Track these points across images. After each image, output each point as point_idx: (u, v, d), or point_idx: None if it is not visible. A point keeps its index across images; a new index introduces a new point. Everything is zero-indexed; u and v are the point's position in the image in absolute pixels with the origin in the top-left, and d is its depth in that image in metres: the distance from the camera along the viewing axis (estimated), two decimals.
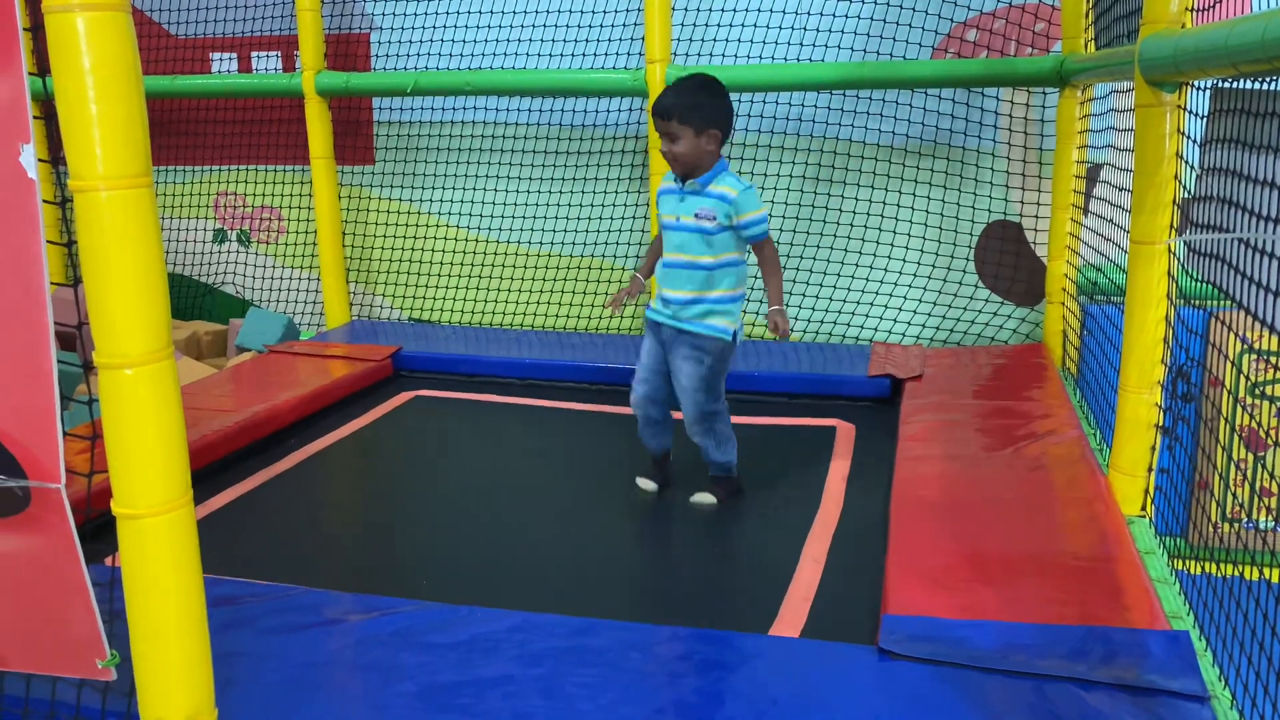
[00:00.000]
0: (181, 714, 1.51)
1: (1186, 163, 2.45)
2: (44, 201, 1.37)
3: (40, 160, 1.35)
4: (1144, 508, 2.65)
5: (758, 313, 4.59)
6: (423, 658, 1.95)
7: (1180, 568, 2.51)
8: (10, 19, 1.32)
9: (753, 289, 4.55)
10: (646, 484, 3.00)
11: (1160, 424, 2.65)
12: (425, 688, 1.85)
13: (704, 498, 2.92)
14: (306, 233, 5.21)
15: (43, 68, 1.38)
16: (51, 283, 1.39)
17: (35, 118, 1.35)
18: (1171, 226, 2.48)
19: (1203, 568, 2.60)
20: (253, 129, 5.21)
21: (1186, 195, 2.42)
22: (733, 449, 2.92)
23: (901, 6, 4.21)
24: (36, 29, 1.34)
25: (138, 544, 1.45)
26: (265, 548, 2.70)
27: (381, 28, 4.89)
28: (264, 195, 5.27)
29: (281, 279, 5.32)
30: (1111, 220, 3.41)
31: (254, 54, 5.12)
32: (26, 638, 1.58)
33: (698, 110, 2.68)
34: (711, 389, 2.83)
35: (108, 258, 1.36)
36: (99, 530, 1.67)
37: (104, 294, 1.37)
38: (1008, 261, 4.36)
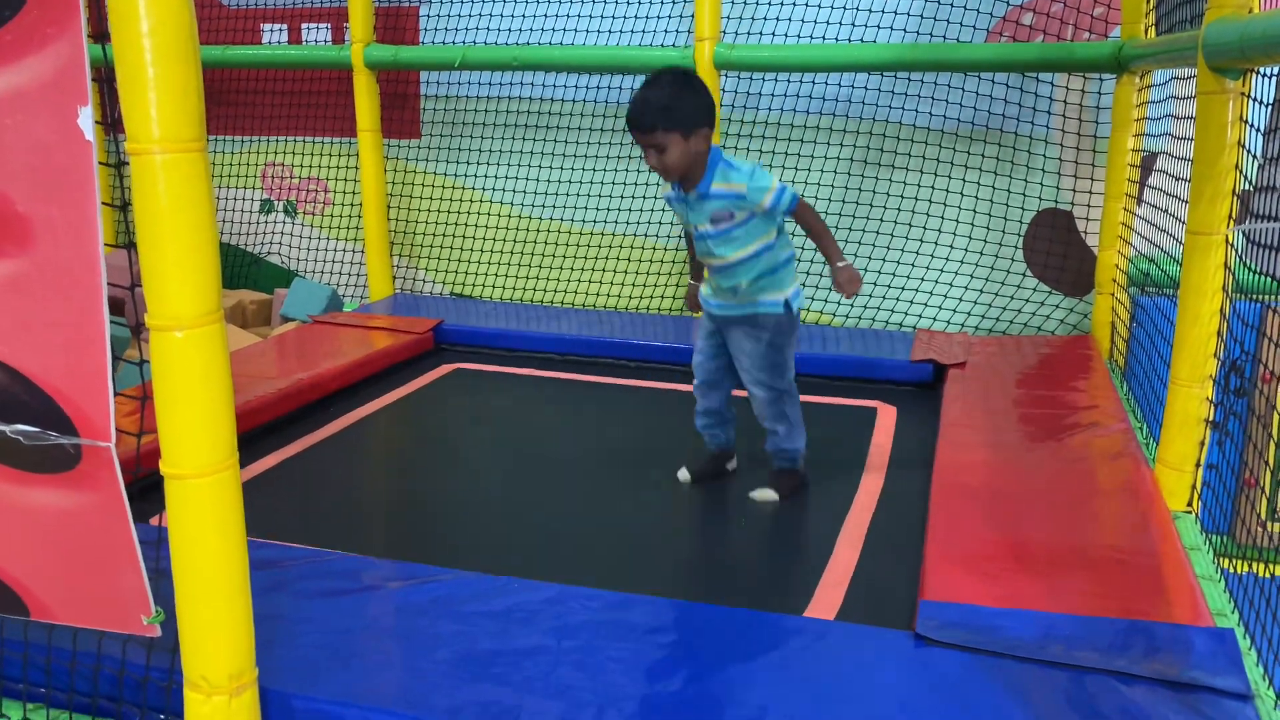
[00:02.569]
0: (224, 672, 1.54)
1: (1249, 152, 2.39)
2: (99, 164, 1.39)
3: (96, 123, 1.37)
4: (1190, 503, 2.60)
5: (817, 285, 4.56)
6: (460, 626, 1.97)
7: (1226, 566, 2.47)
8: None
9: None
10: (684, 474, 2.90)
11: (1210, 419, 2.60)
12: (462, 656, 1.86)
13: (765, 494, 2.78)
14: (352, 205, 5.25)
15: (100, 34, 1.39)
16: (105, 245, 1.41)
17: (92, 81, 1.37)
18: (1230, 217, 2.42)
19: (1249, 566, 2.56)
20: (301, 100, 5.25)
21: (1247, 186, 2.36)
22: (803, 436, 2.79)
23: None
24: None
25: (184, 504, 1.47)
26: (305, 513, 2.73)
27: (431, 1, 4.89)
28: (311, 167, 5.32)
29: (326, 250, 5.37)
30: (1166, 210, 3.34)
31: (304, 25, 5.15)
32: (75, 592, 1.61)
33: (681, 112, 2.44)
34: (775, 367, 2.69)
35: (161, 221, 1.37)
36: (146, 490, 1.70)
37: (157, 257, 1.38)
38: (1057, 251, 4.29)
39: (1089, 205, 4.19)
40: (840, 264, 2.56)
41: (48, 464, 1.50)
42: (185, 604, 1.51)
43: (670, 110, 2.43)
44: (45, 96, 1.37)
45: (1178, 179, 3.14)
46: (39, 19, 1.35)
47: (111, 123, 1.45)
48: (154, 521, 1.61)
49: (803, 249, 4.53)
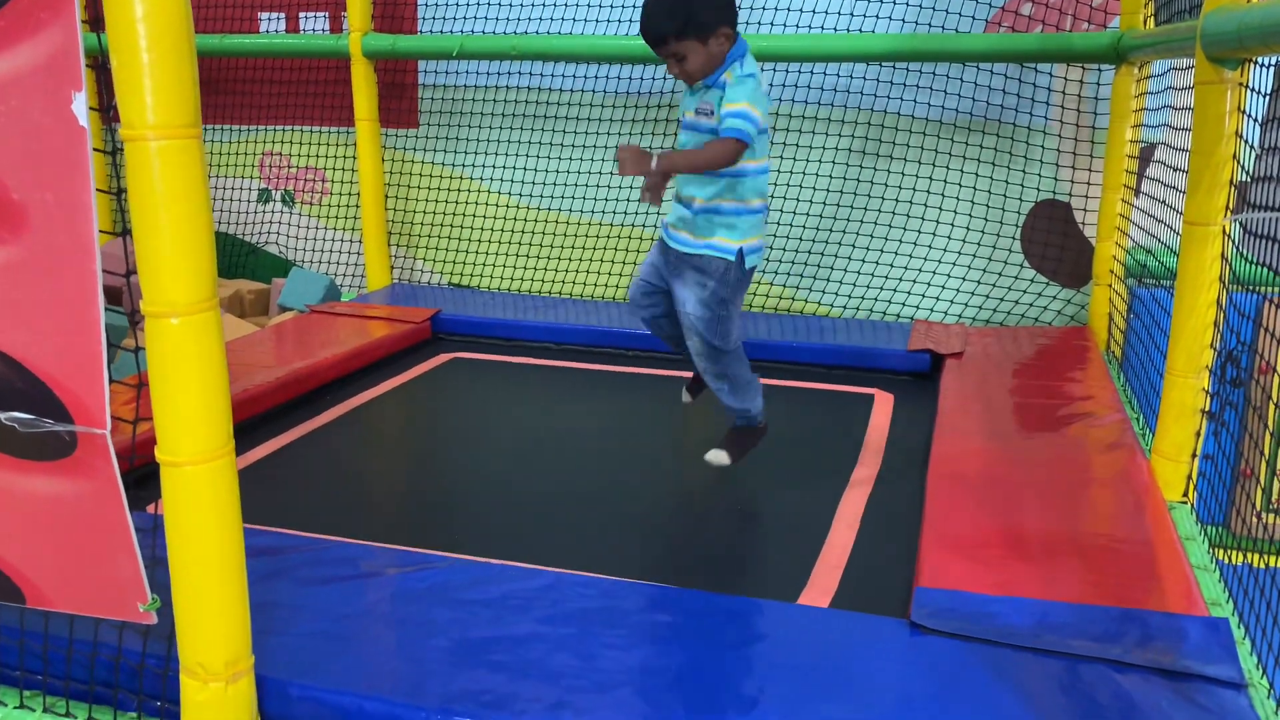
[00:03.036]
0: (220, 659, 1.54)
1: (1246, 142, 2.39)
2: (94, 150, 1.39)
3: (91, 109, 1.37)
4: (1186, 494, 2.61)
5: (814, 277, 4.56)
6: (456, 613, 1.97)
7: (1221, 558, 2.47)
8: None
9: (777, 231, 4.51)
10: (685, 395, 2.88)
11: (1206, 409, 2.60)
12: (458, 642, 1.87)
13: (717, 456, 2.67)
14: (349, 195, 5.24)
15: (94, 21, 1.39)
16: (100, 232, 1.41)
17: (87, 67, 1.36)
18: (1227, 208, 2.42)
19: (1244, 557, 2.56)
20: (299, 90, 5.24)
21: (1245, 176, 2.36)
22: (754, 395, 2.64)
23: None
24: None
25: (180, 491, 1.47)
26: (302, 500, 2.73)
27: None
28: (308, 156, 5.30)
29: (324, 240, 5.36)
30: (1164, 201, 3.34)
31: (301, 14, 5.13)
32: (70, 579, 1.61)
33: (696, 16, 2.29)
34: (717, 321, 2.50)
35: (156, 207, 1.37)
36: (142, 479, 1.71)
37: (152, 243, 1.38)
38: (1055, 242, 4.28)
39: (1087, 196, 4.18)
40: (666, 156, 2.38)
41: (43, 451, 1.51)
42: (182, 591, 1.52)
43: (684, 17, 2.29)
44: (39, 82, 1.37)
45: (1175, 170, 3.14)
46: (32, 4, 1.35)
47: (106, 109, 1.45)
48: (150, 510, 1.61)
49: (814, 240, 4.53)
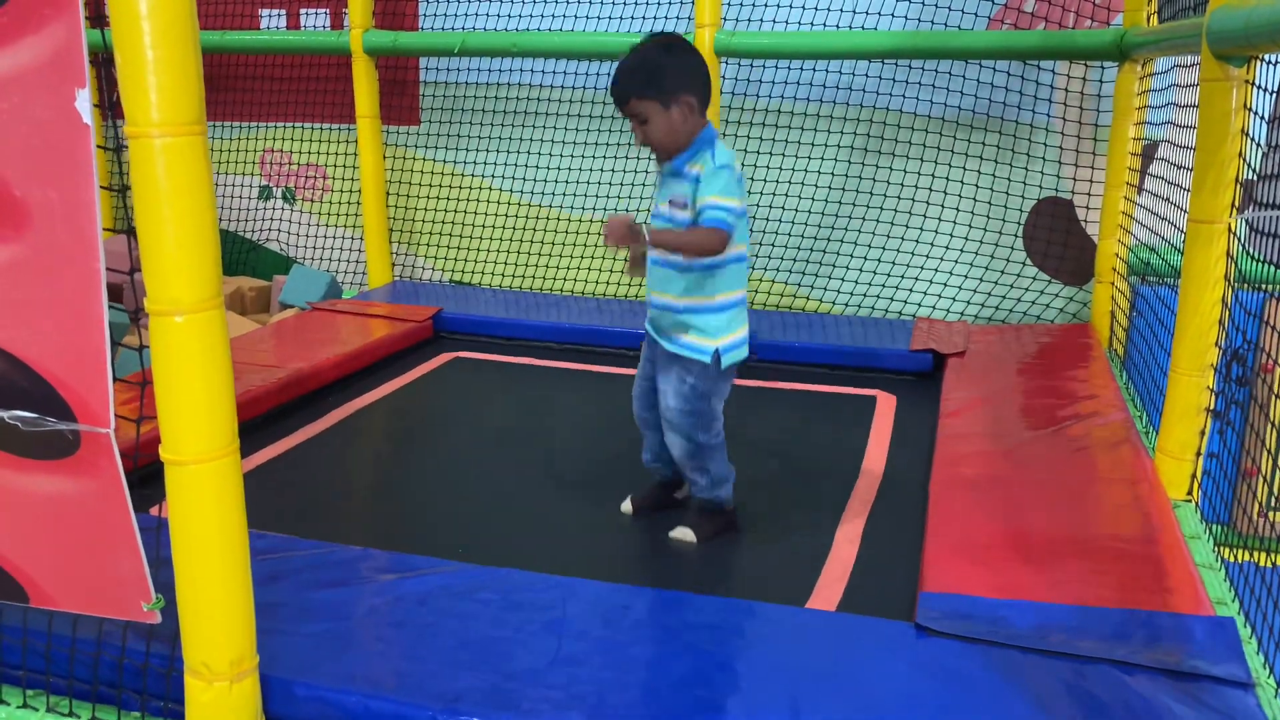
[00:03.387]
0: (225, 658, 1.54)
1: (1252, 140, 2.38)
2: (98, 147, 1.38)
3: (94, 107, 1.36)
4: (1190, 492, 2.60)
5: (817, 274, 4.55)
6: (461, 615, 1.96)
7: (1227, 556, 2.47)
8: None
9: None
10: (626, 505, 2.62)
11: (1211, 407, 2.59)
12: (462, 644, 1.86)
13: (683, 534, 2.49)
14: (351, 192, 5.23)
15: (97, 18, 1.38)
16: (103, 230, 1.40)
17: (90, 63, 1.36)
18: (1233, 205, 2.42)
19: (1250, 555, 2.56)
20: (300, 86, 5.23)
21: (1251, 174, 2.35)
22: (727, 487, 2.50)
23: None
24: None
25: (184, 490, 1.46)
26: (304, 504, 2.72)
27: None
28: (309, 153, 5.29)
29: (325, 237, 5.35)
30: (1168, 199, 3.33)
31: (303, 11, 5.12)
32: (75, 579, 1.61)
33: (659, 79, 2.21)
34: (699, 416, 2.37)
35: (160, 205, 1.36)
36: (146, 478, 1.70)
37: (156, 241, 1.37)
38: (1057, 239, 4.28)
39: (1089, 194, 4.18)
40: (653, 232, 2.27)
41: (47, 450, 1.50)
42: (186, 590, 1.51)
43: (646, 78, 2.22)
44: (42, 79, 1.36)
45: (1179, 167, 3.13)
46: (36, 1, 1.34)
47: (110, 106, 1.44)
48: (154, 511, 1.60)
49: (815, 238, 4.51)
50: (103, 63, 1.42)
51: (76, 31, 1.34)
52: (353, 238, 5.29)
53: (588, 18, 4.61)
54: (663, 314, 2.38)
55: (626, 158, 4.72)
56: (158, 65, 1.31)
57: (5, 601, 1.66)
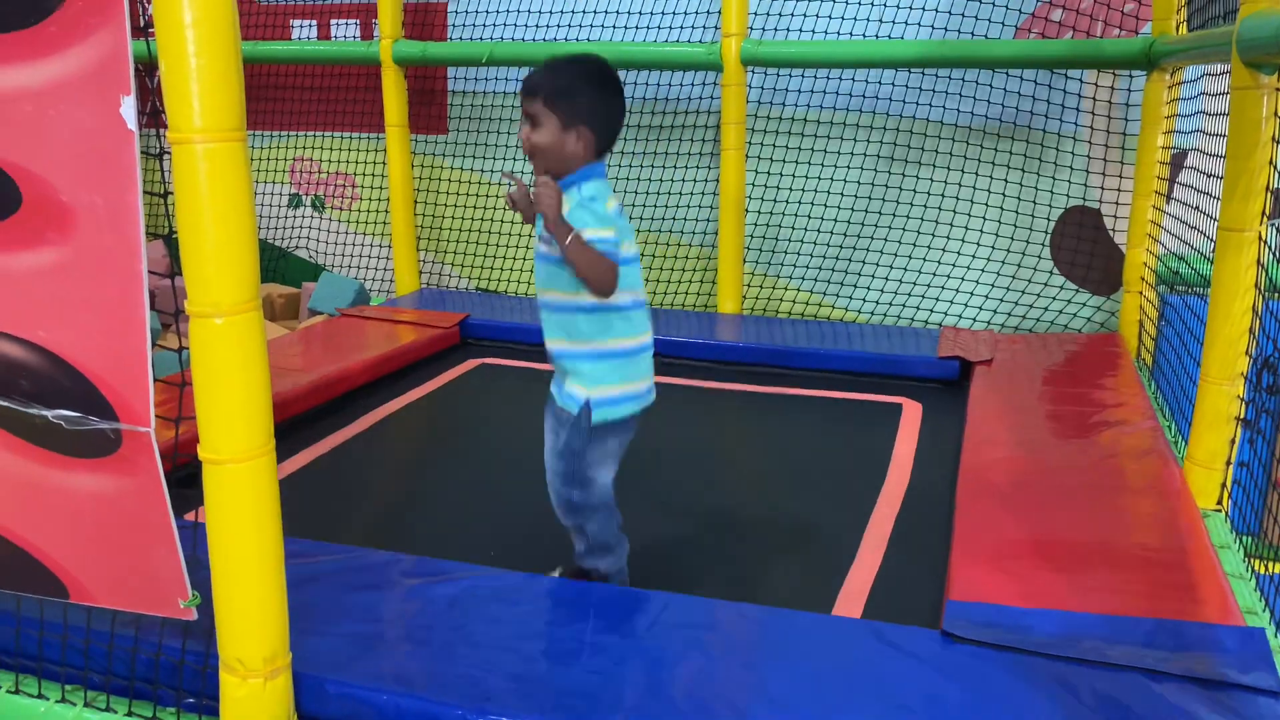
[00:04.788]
0: (259, 655, 1.56)
1: None
2: (141, 153, 1.41)
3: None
4: (1220, 502, 2.59)
5: (842, 283, 4.54)
6: (491, 618, 1.98)
7: (1257, 566, 2.45)
8: None
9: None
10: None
11: (1241, 416, 2.58)
12: (493, 645, 1.88)
13: (555, 574, 2.29)
14: (379, 200, 5.28)
15: (138, 29, 1.41)
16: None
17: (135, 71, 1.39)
18: (1263, 213, 2.40)
19: None
20: (330, 96, 5.29)
21: None
22: (610, 559, 2.21)
23: None
24: None
25: (222, 488, 1.49)
26: (334, 508, 2.75)
27: None
28: (339, 162, 5.35)
29: (353, 245, 5.40)
30: (1197, 207, 3.32)
31: (333, 21, 5.19)
32: (113, 575, 1.64)
33: (572, 98, 2.06)
34: (569, 474, 2.12)
35: (202, 209, 1.39)
36: (183, 478, 1.73)
37: (197, 244, 1.40)
38: (1085, 248, 4.26)
39: (1117, 203, 4.16)
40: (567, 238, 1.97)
41: (88, 449, 1.53)
42: (222, 587, 1.54)
43: (561, 89, 2.06)
44: (88, 86, 1.40)
45: (1209, 176, 3.12)
46: (83, 9, 1.37)
47: (151, 114, 1.48)
48: (190, 516, 1.63)
49: (841, 246, 4.52)
50: (144, 72, 1.46)
51: (122, 40, 1.37)
52: (381, 245, 5.34)
53: (614, 28, 4.64)
54: (554, 359, 2.15)
55: (653, 166, 4.74)
56: (201, 73, 1.35)
57: (45, 597, 1.70)
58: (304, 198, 5.47)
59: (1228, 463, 2.58)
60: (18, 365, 1.51)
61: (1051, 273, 4.32)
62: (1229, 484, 2.59)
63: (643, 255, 4.82)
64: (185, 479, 1.59)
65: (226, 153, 1.39)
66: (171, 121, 1.38)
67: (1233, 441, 2.58)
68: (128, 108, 1.38)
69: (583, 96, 2.09)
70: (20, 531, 1.65)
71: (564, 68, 2.13)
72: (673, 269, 4.78)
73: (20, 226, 1.47)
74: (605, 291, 2.01)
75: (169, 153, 1.40)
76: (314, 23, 5.21)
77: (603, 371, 2.09)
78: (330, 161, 5.37)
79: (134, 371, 1.47)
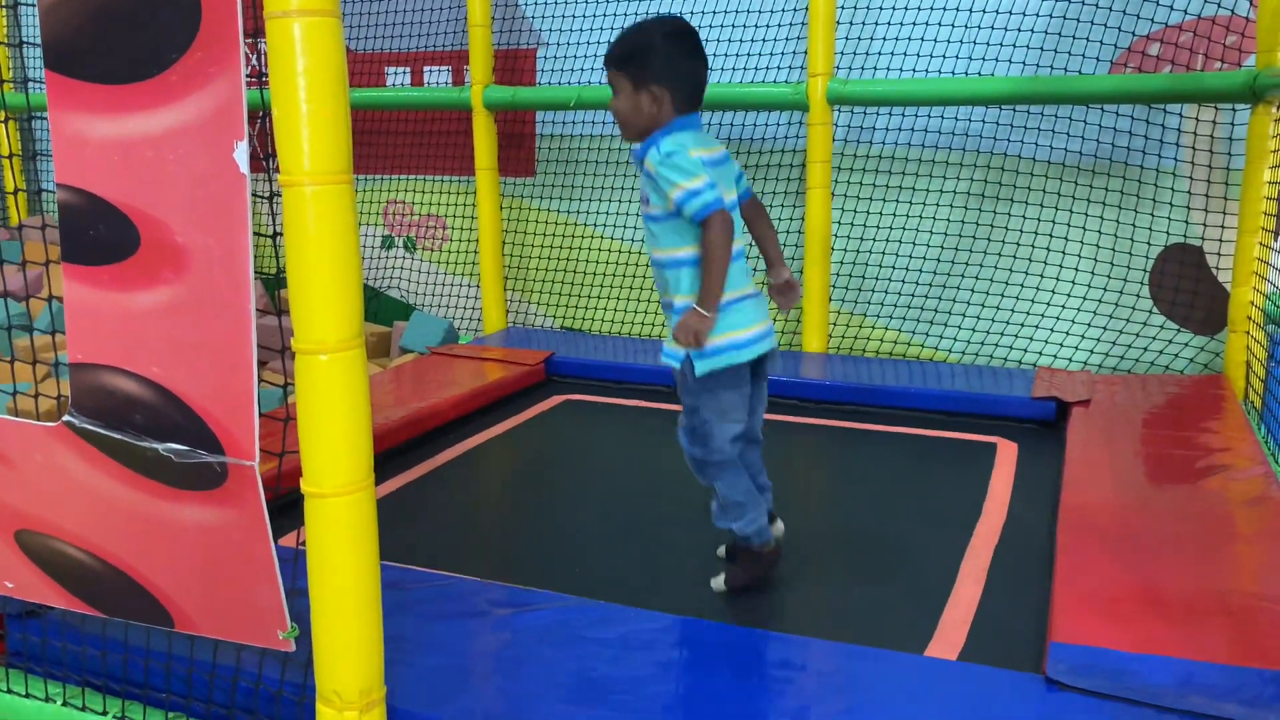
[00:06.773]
0: (355, 688, 1.58)
1: None
2: (252, 196, 1.47)
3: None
4: None
5: (933, 321, 4.48)
6: (577, 652, 1.98)
7: None
8: (233, 26, 1.42)
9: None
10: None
11: None
12: (579, 681, 1.88)
13: (716, 583, 2.39)
14: (468, 241, 5.39)
15: (251, 78, 1.47)
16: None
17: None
18: None
19: None
20: (422, 140, 5.44)
21: None
22: (742, 518, 2.29)
23: (1079, 19, 4.05)
24: (255, 36, 1.44)
25: (323, 521, 1.52)
26: (424, 536, 2.79)
27: (548, 43, 5.02)
28: (430, 204, 5.48)
29: (443, 285, 5.51)
30: None
31: (426, 68, 5.34)
32: (216, 606, 1.68)
33: (640, 60, 2.12)
34: (691, 430, 2.25)
35: (309, 249, 1.44)
36: (283, 509, 1.77)
37: (305, 284, 1.45)
38: (1187, 287, 4.13)
39: (1220, 240, 4.02)
40: (694, 308, 2.10)
41: (196, 481, 1.58)
42: (321, 619, 1.56)
43: (628, 52, 2.14)
44: (205, 132, 1.46)
45: None
46: (203, 59, 1.44)
47: (264, 158, 1.53)
48: (290, 540, 1.67)
49: (931, 284, 4.45)
50: (255, 117, 1.52)
51: (237, 88, 1.43)
52: (470, 285, 5.44)
53: None
54: (668, 310, 2.25)
55: None
56: (311, 118, 1.40)
57: (152, 625, 1.75)
58: (396, 239, 5.61)
59: None
60: (133, 400, 1.57)
61: (1151, 312, 4.19)
62: None
63: None
64: (278, 510, 1.63)
65: (334, 195, 1.43)
66: (283, 165, 1.43)
67: None
68: (240, 152, 1.44)
69: (650, 56, 2.14)
70: (129, 560, 1.70)
71: (629, 32, 2.19)
72: None
73: (138, 267, 1.53)
74: (728, 240, 2.11)
75: (268, 196, 1.45)
76: (408, 69, 5.37)
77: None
78: (422, 204, 5.50)
79: (241, 407, 1.51)
